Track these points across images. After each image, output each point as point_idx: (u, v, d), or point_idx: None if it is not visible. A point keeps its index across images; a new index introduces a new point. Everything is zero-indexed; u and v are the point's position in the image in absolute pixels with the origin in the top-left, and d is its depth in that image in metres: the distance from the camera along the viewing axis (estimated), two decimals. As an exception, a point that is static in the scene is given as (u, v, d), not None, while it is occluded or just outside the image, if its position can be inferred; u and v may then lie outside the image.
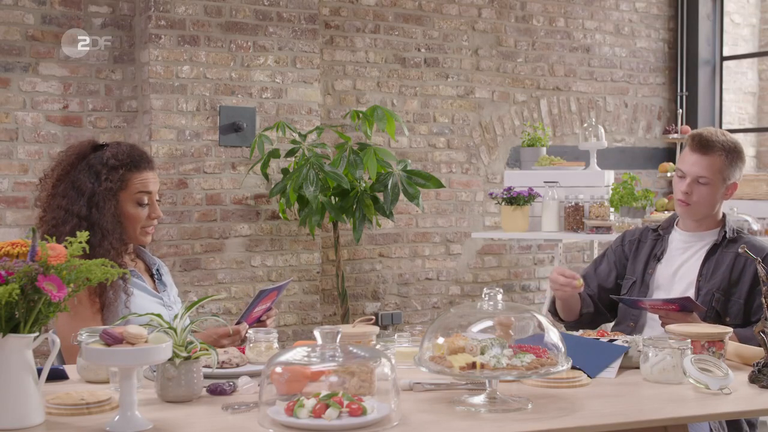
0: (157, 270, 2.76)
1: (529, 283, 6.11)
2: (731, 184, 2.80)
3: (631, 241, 2.96)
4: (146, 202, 2.63)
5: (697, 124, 6.64)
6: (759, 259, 2.23)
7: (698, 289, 2.75)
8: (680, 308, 2.55)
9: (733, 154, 2.78)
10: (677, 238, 2.88)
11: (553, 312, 2.96)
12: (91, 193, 2.56)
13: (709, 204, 2.79)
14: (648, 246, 2.91)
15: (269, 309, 2.63)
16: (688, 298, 2.55)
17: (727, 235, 2.79)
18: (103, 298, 2.52)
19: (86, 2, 4.67)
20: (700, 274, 2.77)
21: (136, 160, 2.63)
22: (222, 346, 2.46)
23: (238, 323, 2.53)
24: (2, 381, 1.70)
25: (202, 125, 4.75)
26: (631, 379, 2.16)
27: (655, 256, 2.88)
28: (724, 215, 2.87)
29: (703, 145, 2.77)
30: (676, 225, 2.91)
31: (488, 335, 1.98)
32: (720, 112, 6.86)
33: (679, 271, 2.83)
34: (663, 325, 2.62)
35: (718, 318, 2.70)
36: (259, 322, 2.61)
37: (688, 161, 2.79)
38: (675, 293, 2.76)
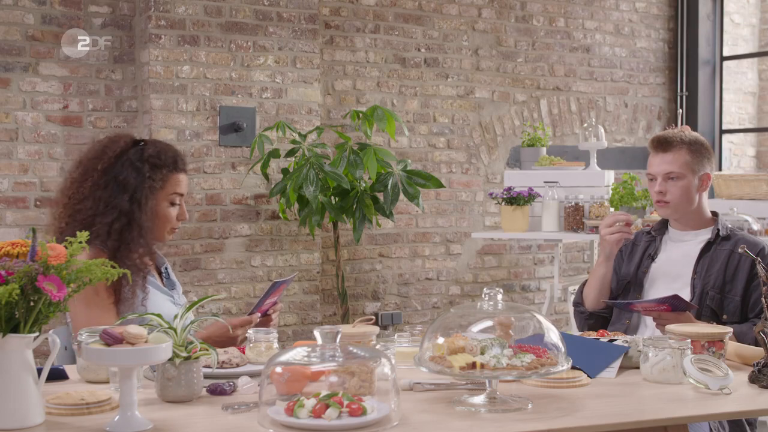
0: (165, 268, 2.78)
1: (529, 283, 6.11)
2: (703, 175, 2.83)
3: (626, 245, 2.98)
4: (178, 202, 2.66)
5: (697, 124, 6.64)
6: (759, 259, 2.23)
7: (693, 288, 2.76)
8: (672, 308, 2.56)
9: (695, 146, 2.83)
10: (671, 237, 2.90)
11: (577, 303, 2.96)
12: (134, 189, 2.56)
13: (686, 198, 2.81)
14: (641, 247, 2.93)
15: (275, 303, 2.64)
16: (676, 296, 2.55)
17: (721, 233, 2.81)
18: (119, 293, 2.51)
19: (86, 2, 4.67)
20: (694, 272, 2.78)
21: (176, 161, 2.65)
22: (235, 337, 2.47)
23: (250, 314, 2.54)
24: (2, 381, 1.70)
25: (202, 125, 4.75)
26: (631, 379, 2.16)
27: (649, 255, 2.89)
28: (716, 213, 2.88)
29: (662, 143, 2.83)
30: (669, 225, 2.92)
31: (488, 335, 1.98)
32: (720, 112, 6.86)
33: (673, 270, 2.84)
34: (657, 326, 2.62)
35: (714, 316, 2.71)
36: (265, 316, 2.61)
37: (654, 163, 2.85)
38: (670, 292, 2.76)
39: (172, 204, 2.65)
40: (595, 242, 5.30)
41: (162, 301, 2.62)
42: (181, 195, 2.67)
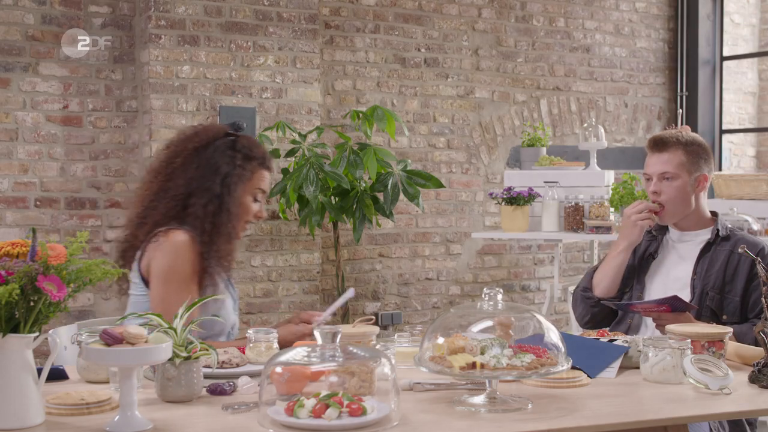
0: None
1: (529, 283, 6.11)
2: (699, 176, 2.81)
3: None
4: (259, 199, 2.64)
5: (697, 124, 6.64)
6: (759, 259, 2.23)
7: (693, 288, 2.76)
8: (672, 309, 2.56)
9: (692, 146, 2.81)
10: (671, 237, 2.90)
11: (585, 289, 2.90)
12: (226, 174, 2.53)
13: (681, 199, 2.80)
14: (642, 246, 2.92)
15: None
16: (676, 297, 2.55)
17: (720, 233, 2.80)
18: (202, 281, 2.49)
19: (86, 2, 4.67)
20: (694, 273, 2.78)
21: (266, 157, 2.65)
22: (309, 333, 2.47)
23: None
24: (2, 381, 1.70)
25: (202, 125, 4.75)
26: (631, 379, 2.16)
27: (650, 254, 2.89)
28: (716, 213, 2.88)
29: (658, 143, 2.83)
30: (669, 226, 2.92)
31: (488, 335, 1.98)
32: (720, 112, 6.86)
33: (673, 270, 2.84)
34: (657, 327, 2.62)
35: (714, 316, 2.71)
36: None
37: (650, 162, 2.84)
38: (670, 292, 2.76)
39: (255, 199, 2.62)
40: (596, 242, 5.31)
41: (230, 312, 2.62)
42: (264, 192, 2.64)
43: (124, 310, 2.60)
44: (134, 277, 2.54)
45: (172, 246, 2.45)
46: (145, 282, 2.52)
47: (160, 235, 2.47)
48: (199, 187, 2.52)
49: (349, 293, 2.65)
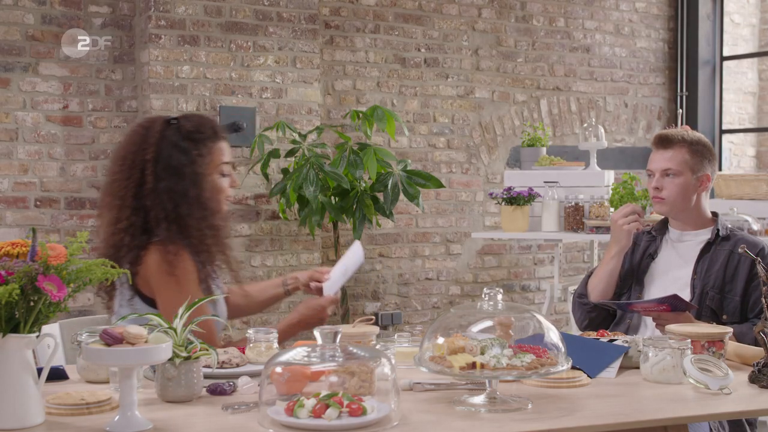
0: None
1: (529, 283, 6.11)
2: (702, 175, 2.82)
3: None
4: (227, 172, 2.57)
5: (697, 124, 6.63)
6: (759, 259, 2.23)
7: (693, 288, 2.76)
8: (671, 308, 2.56)
9: (697, 146, 2.82)
10: (671, 237, 2.90)
11: (581, 295, 2.92)
12: (190, 172, 2.47)
13: (681, 196, 2.80)
14: (642, 246, 2.92)
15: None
16: (675, 297, 2.55)
17: (720, 233, 2.80)
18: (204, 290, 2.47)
19: (86, 2, 4.67)
20: (694, 273, 2.79)
21: (216, 129, 2.56)
22: (326, 316, 2.46)
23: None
24: (2, 381, 1.70)
25: (202, 125, 4.75)
26: (631, 379, 2.16)
27: (650, 254, 2.89)
28: (716, 214, 2.88)
29: (663, 140, 2.84)
30: (669, 225, 2.92)
31: (488, 335, 1.98)
32: (720, 112, 6.86)
33: (673, 269, 2.84)
34: (657, 327, 2.62)
35: (714, 316, 2.71)
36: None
37: (653, 159, 2.86)
38: (670, 292, 2.76)
39: (223, 174, 2.55)
40: (596, 242, 5.30)
41: (223, 306, 2.59)
42: (228, 163, 2.57)
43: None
44: (126, 290, 2.46)
45: (174, 271, 2.38)
46: (140, 295, 2.45)
47: (159, 257, 2.38)
48: (178, 195, 2.44)
49: (356, 248, 2.63)
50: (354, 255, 2.74)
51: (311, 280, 2.70)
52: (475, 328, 2.01)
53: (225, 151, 2.57)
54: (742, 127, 7.26)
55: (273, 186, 4.84)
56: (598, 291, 2.87)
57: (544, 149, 5.33)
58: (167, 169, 2.46)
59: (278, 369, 1.79)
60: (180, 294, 2.30)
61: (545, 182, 4.93)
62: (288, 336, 2.59)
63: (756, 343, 2.32)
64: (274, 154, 4.76)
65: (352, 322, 2.60)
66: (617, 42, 6.48)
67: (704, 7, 6.71)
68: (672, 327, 2.28)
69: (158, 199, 2.44)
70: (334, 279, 2.65)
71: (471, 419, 1.81)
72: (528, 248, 6.09)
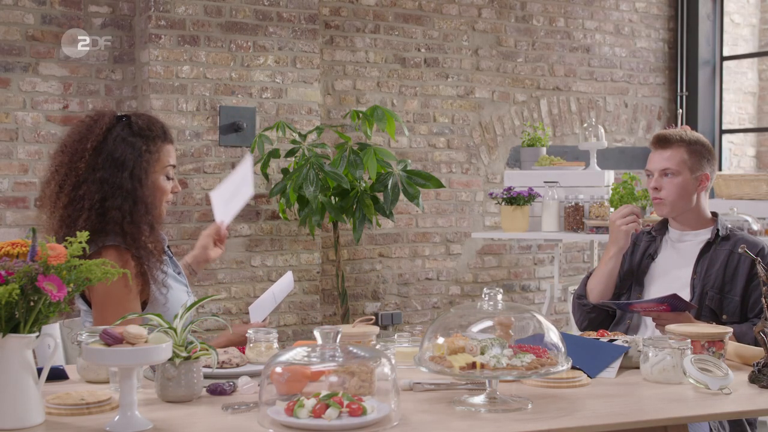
0: (167, 246, 2.69)
1: (529, 283, 6.11)
2: (701, 175, 2.82)
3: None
4: (171, 175, 2.58)
5: (697, 124, 6.64)
6: (759, 259, 2.23)
7: (693, 288, 2.77)
8: (671, 308, 2.56)
9: (695, 146, 2.83)
10: (670, 237, 2.90)
11: (580, 296, 2.92)
12: (133, 165, 2.45)
13: (681, 196, 2.81)
14: (642, 246, 2.93)
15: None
16: (675, 296, 2.56)
17: (720, 233, 2.81)
18: (144, 294, 2.46)
19: (86, 2, 4.67)
20: (694, 273, 2.79)
21: (165, 131, 2.57)
22: (243, 334, 2.43)
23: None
24: (2, 381, 1.70)
25: (202, 125, 4.75)
26: (631, 379, 2.16)
27: (649, 255, 2.89)
28: (716, 214, 2.88)
29: (661, 140, 2.85)
30: (669, 226, 2.92)
31: (488, 335, 1.98)
32: (720, 112, 6.86)
33: (673, 270, 2.84)
34: (657, 327, 2.62)
35: (714, 316, 2.71)
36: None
37: (652, 159, 2.87)
38: (670, 292, 2.76)
39: (168, 177, 2.56)
40: (596, 242, 5.30)
41: (180, 293, 2.56)
42: (174, 167, 2.59)
43: None
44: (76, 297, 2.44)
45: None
46: (85, 299, 2.46)
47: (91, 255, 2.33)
48: (111, 187, 2.42)
49: (288, 277, 2.66)
50: (283, 283, 2.74)
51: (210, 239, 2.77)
52: (475, 328, 2.01)
53: (172, 154, 2.58)
54: (742, 127, 7.26)
55: (273, 186, 4.84)
56: (597, 292, 2.88)
57: (544, 149, 5.33)
58: (108, 161, 2.45)
59: (278, 369, 1.79)
60: (108, 307, 2.35)
61: (545, 182, 4.93)
62: None
63: (756, 343, 2.32)
64: (274, 154, 4.76)
65: (352, 322, 2.60)
66: (617, 42, 6.49)
67: (704, 7, 6.71)
68: (672, 327, 2.28)
69: (89, 190, 2.43)
70: (261, 305, 2.64)
71: (471, 419, 1.81)
72: (528, 248, 6.09)
